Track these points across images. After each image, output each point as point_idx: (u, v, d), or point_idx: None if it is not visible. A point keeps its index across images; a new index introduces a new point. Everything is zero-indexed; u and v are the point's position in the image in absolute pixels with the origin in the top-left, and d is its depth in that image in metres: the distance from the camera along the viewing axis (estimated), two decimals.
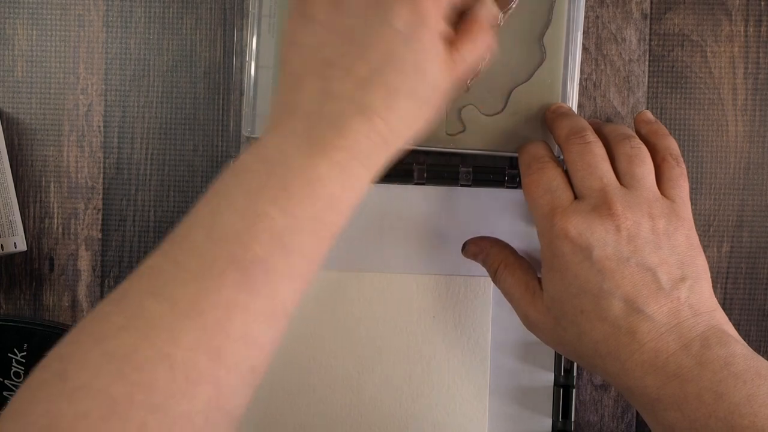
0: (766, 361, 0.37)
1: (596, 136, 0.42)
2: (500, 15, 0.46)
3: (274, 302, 0.33)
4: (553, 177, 0.41)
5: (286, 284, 0.34)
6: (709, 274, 0.40)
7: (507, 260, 0.44)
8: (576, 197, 0.41)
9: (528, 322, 0.43)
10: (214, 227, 0.33)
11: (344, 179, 0.35)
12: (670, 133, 0.44)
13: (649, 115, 0.45)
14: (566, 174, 0.42)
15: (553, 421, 0.49)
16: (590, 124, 0.43)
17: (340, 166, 0.34)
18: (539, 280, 0.42)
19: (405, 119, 0.36)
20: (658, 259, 0.39)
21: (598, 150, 0.41)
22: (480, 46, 0.39)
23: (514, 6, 0.46)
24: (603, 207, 0.39)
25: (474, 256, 0.47)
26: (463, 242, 0.48)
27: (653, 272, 0.38)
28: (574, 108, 0.47)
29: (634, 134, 0.42)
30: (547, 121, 0.46)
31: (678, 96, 0.50)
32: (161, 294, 0.32)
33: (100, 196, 0.50)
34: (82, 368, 0.31)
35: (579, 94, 0.48)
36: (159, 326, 0.31)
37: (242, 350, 0.33)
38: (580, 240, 0.39)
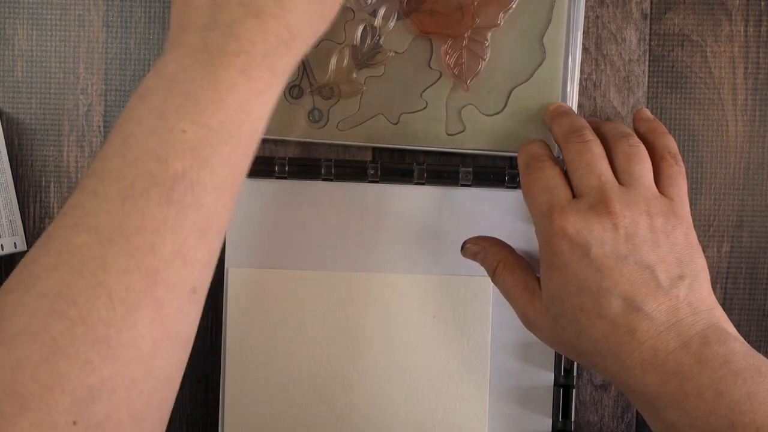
0: (765, 358, 0.37)
1: (595, 134, 0.42)
2: (500, 14, 0.46)
3: (204, 216, 0.33)
4: (552, 176, 0.41)
5: (212, 197, 0.33)
6: (707, 272, 0.40)
7: (506, 260, 0.44)
8: (574, 196, 0.41)
9: (527, 322, 0.43)
10: (128, 151, 0.32)
11: (249, 84, 0.34)
12: (669, 132, 0.44)
13: (647, 113, 0.45)
14: (565, 173, 0.42)
15: (553, 421, 0.49)
16: (589, 122, 0.43)
17: (242, 72, 0.34)
18: (538, 280, 0.42)
19: (302, 18, 0.36)
20: (656, 257, 0.39)
21: (597, 149, 0.41)
22: None
23: (514, 6, 0.46)
24: (601, 205, 0.39)
25: (473, 256, 0.47)
26: (462, 242, 0.48)
27: (652, 270, 0.38)
28: (574, 108, 0.47)
29: (632, 133, 0.43)
30: (546, 121, 0.46)
31: (678, 96, 0.50)
32: (85, 226, 0.31)
33: None
34: (16, 314, 0.30)
35: (579, 94, 0.48)
36: (88, 257, 0.31)
37: (178, 269, 0.32)
38: (578, 238, 0.39)
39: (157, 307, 0.31)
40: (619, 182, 0.40)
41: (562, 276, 0.39)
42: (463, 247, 0.48)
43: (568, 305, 0.39)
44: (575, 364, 0.49)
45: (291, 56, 0.36)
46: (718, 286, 0.50)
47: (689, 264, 0.39)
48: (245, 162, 0.35)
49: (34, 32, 0.50)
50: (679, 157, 0.42)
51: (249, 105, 0.34)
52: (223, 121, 0.33)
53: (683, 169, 0.42)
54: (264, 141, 0.48)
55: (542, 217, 0.41)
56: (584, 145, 0.41)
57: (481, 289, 0.49)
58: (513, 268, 0.44)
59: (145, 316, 0.31)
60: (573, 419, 0.49)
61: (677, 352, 0.37)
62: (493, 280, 0.45)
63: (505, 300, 0.44)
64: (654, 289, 0.38)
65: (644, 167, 0.41)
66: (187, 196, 0.32)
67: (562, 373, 0.49)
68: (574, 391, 0.49)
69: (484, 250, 0.46)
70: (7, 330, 0.30)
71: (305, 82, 0.47)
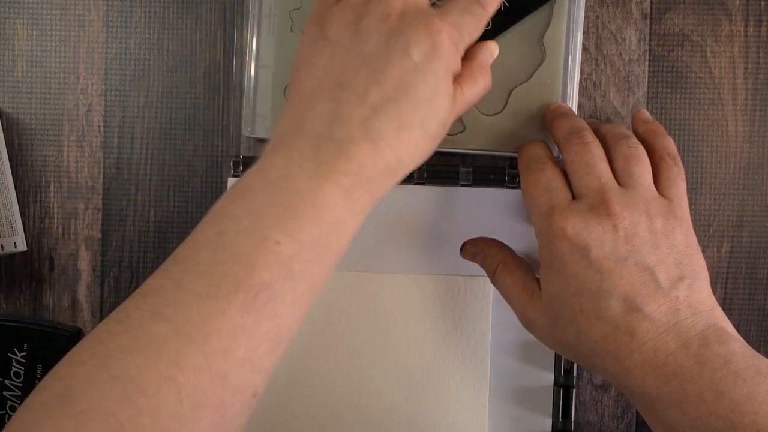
0: (765, 359, 0.37)
1: (594, 136, 0.42)
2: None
3: (278, 327, 0.33)
4: (552, 177, 0.41)
5: (289, 309, 0.34)
6: (707, 273, 0.40)
7: (505, 261, 0.44)
8: (574, 197, 0.41)
9: (526, 323, 0.43)
10: (219, 249, 0.33)
11: (348, 205, 0.35)
12: (669, 133, 0.44)
13: (646, 114, 0.45)
14: (565, 175, 0.42)
15: (553, 421, 0.49)
16: (588, 124, 0.43)
17: (346, 192, 0.35)
18: (537, 281, 0.42)
19: (411, 149, 0.36)
20: (656, 259, 0.39)
21: (597, 150, 0.41)
22: (481, 87, 0.40)
23: None
24: (600, 206, 0.39)
25: (472, 257, 0.47)
26: (461, 243, 0.48)
27: (651, 271, 0.38)
28: (574, 108, 0.47)
29: (631, 134, 0.43)
30: (546, 121, 0.46)
31: (678, 96, 0.50)
32: (165, 316, 0.32)
33: (100, 196, 0.50)
34: (86, 390, 0.30)
35: (579, 94, 0.48)
36: (164, 349, 0.31)
37: (246, 375, 0.33)
38: (577, 239, 0.39)
39: (220, 407, 0.32)
40: (619, 184, 0.40)
41: (561, 277, 0.39)
42: (462, 249, 0.48)
43: (568, 306, 0.39)
44: (575, 364, 0.49)
45: (392, 182, 0.37)
46: (718, 286, 0.50)
47: (689, 265, 0.39)
48: (325, 277, 0.36)
49: (34, 32, 0.50)
50: (678, 159, 0.42)
51: (343, 225, 0.35)
52: (316, 239, 0.34)
53: (682, 171, 0.42)
54: (264, 141, 0.48)
55: (542, 218, 0.41)
56: (584, 147, 0.41)
57: (481, 290, 0.49)
58: (512, 269, 0.44)
59: (208, 415, 0.32)
60: (573, 419, 0.49)
61: (677, 353, 0.37)
62: (492, 282, 0.45)
63: (505, 300, 0.44)
64: (654, 291, 0.38)
65: (643, 169, 0.41)
66: (267, 306, 0.33)
67: (562, 373, 0.49)
68: (574, 391, 0.49)
69: (483, 251, 0.46)
70: (76, 405, 0.30)
71: None
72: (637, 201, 0.40)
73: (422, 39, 0.36)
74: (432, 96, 0.36)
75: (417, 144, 0.37)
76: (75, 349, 0.32)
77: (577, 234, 0.39)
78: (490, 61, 0.42)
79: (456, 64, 0.38)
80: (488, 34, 0.43)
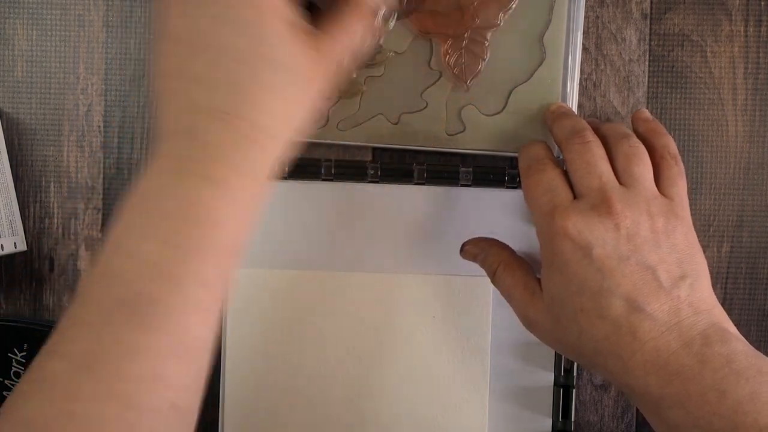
0: (767, 358, 0.37)
1: (595, 135, 0.42)
2: (500, 14, 0.46)
3: (180, 337, 0.32)
4: (553, 177, 0.41)
5: (188, 316, 0.32)
6: (708, 272, 0.40)
7: (506, 261, 0.44)
8: (576, 197, 0.41)
9: (528, 322, 0.43)
10: (105, 275, 0.32)
11: (216, 191, 0.33)
12: (669, 132, 0.44)
13: (646, 113, 0.45)
14: (566, 175, 0.42)
15: (553, 421, 0.49)
16: (588, 123, 0.43)
17: (215, 182, 0.33)
18: (538, 281, 0.42)
19: (273, 114, 0.34)
20: (657, 258, 0.39)
21: (598, 149, 0.41)
22: (352, 27, 0.36)
23: (514, 6, 0.46)
24: (602, 206, 0.39)
25: (473, 258, 0.47)
26: (461, 244, 0.48)
27: (653, 271, 0.38)
28: (574, 108, 0.47)
29: (632, 133, 0.43)
30: (546, 121, 0.46)
31: (678, 96, 0.50)
32: (59, 351, 0.32)
33: (100, 196, 0.50)
34: None
35: (579, 94, 0.48)
36: (59, 384, 0.31)
37: (151, 390, 0.31)
38: (579, 238, 0.39)
39: (128, 429, 0.31)
40: (620, 183, 0.40)
41: (563, 276, 0.39)
42: (462, 249, 0.48)
43: (569, 306, 0.39)
44: (575, 364, 0.49)
45: (266, 156, 0.34)
46: (718, 286, 0.50)
47: (690, 264, 0.39)
48: (224, 276, 0.34)
49: (34, 32, 0.50)
50: (679, 158, 0.42)
51: (219, 214, 0.33)
52: (194, 237, 0.32)
53: (683, 170, 0.42)
54: None
55: (544, 217, 0.41)
56: (585, 146, 0.41)
57: (482, 290, 0.49)
58: (513, 269, 0.44)
59: None
60: (573, 419, 0.49)
61: (679, 353, 0.37)
62: (493, 282, 0.45)
63: (505, 300, 0.44)
64: (655, 290, 0.38)
65: (644, 168, 0.41)
66: (158, 319, 0.31)
67: (562, 373, 0.49)
68: (574, 391, 0.49)
69: (483, 251, 0.46)
70: None
71: None
72: (639, 200, 0.40)
73: (239, 2, 0.33)
74: (266, 55, 0.33)
75: (276, 106, 0.34)
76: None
77: (578, 233, 0.39)
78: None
79: (288, 14, 0.34)
80: None
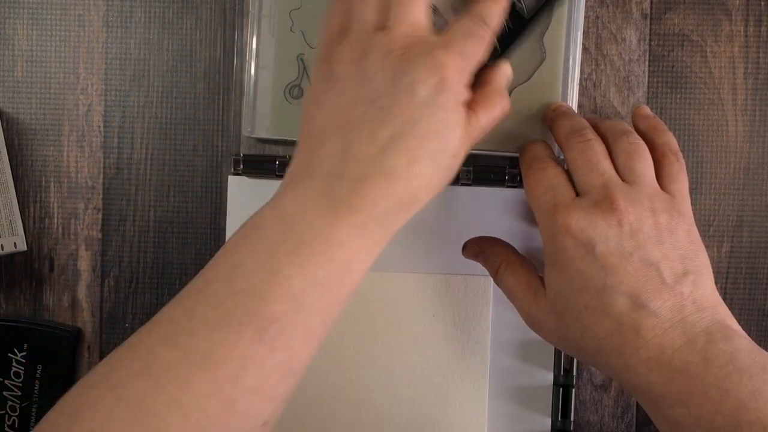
0: None
1: (596, 134, 0.42)
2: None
3: (289, 359, 0.34)
4: (555, 175, 0.41)
5: (300, 342, 0.34)
6: (710, 269, 0.40)
7: (508, 259, 0.44)
8: (578, 195, 0.41)
9: (530, 321, 0.43)
10: (232, 280, 0.34)
11: (361, 241, 0.35)
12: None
13: (646, 110, 0.45)
14: (567, 173, 0.42)
15: (552, 420, 0.49)
16: (588, 120, 0.43)
17: (358, 229, 0.35)
18: (541, 279, 0.42)
19: (425, 184, 0.36)
20: (660, 254, 0.39)
21: (598, 147, 0.41)
22: (498, 111, 0.40)
23: None
24: (605, 202, 0.39)
25: (474, 256, 0.47)
26: (463, 243, 0.48)
27: (656, 267, 0.38)
28: (574, 108, 0.47)
29: (632, 130, 0.43)
30: (547, 121, 0.46)
31: (678, 96, 0.50)
32: (177, 343, 0.33)
33: (100, 196, 0.50)
34: (93, 412, 0.31)
35: (579, 93, 0.48)
36: (173, 374, 0.32)
37: (255, 403, 0.33)
38: (582, 235, 0.39)
39: None
40: (622, 180, 0.40)
41: (566, 274, 0.39)
42: (464, 248, 0.48)
43: (572, 303, 0.39)
44: (575, 363, 0.49)
45: (406, 217, 0.37)
46: (718, 285, 0.50)
47: (693, 261, 0.39)
48: (338, 312, 0.36)
49: (34, 32, 0.50)
50: (680, 154, 0.42)
51: (355, 261, 0.35)
52: (328, 275, 0.34)
53: (684, 166, 0.42)
54: (264, 141, 0.48)
55: (546, 215, 0.40)
56: (586, 144, 0.41)
57: (481, 289, 0.49)
58: (515, 268, 0.44)
59: None
60: (572, 419, 0.49)
61: (683, 350, 0.37)
62: (495, 280, 0.45)
63: (505, 299, 0.44)
64: (659, 286, 0.38)
65: (646, 164, 0.41)
66: (278, 339, 0.33)
67: (562, 373, 0.49)
68: (573, 390, 0.49)
69: (485, 250, 0.46)
70: (81, 424, 0.31)
71: (305, 82, 0.47)
72: (641, 196, 0.40)
73: (427, 75, 0.36)
74: (440, 129, 0.36)
75: (429, 177, 0.37)
76: (87, 374, 0.33)
77: (581, 230, 0.39)
78: (506, 83, 0.41)
79: (464, 92, 0.38)
80: (498, 52, 0.43)
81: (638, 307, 0.38)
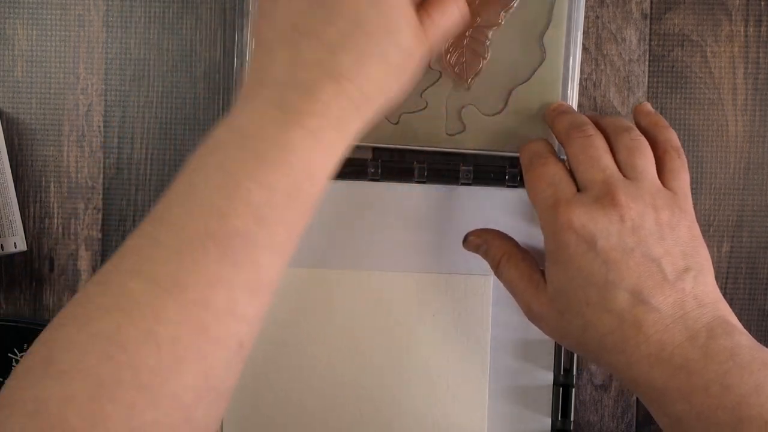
0: None
1: (597, 130, 0.42)
2: (501, 14, 0.46)
3: (258, 275, 0.33)
4: (556, 171, 0.41)
5: (267, 256, 0.34)
6: (711, 266, 0.40)
7: (509, 252, 0.44)
8: (579, 191, 0.41)
9: (531, 315, 0.42)
10: (191, 203, 0.33)
11: (318, 146, 0.35)
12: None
13: (648, 107, 0.45)
14: (568, 169, 0.42)
15: (552, 420, 0.49)
16: (588, 117, 0.43)
17: (313, 133, 0.34)
18: (542, 273, 0.42)
19: (377, 84, 0.36)
20: (662, 250, 0.39)
21: (600, 143, 0.41)
22: (454, 15, 0.39)
23: (515, 5, 0.46)
24: (606, 198, 0.39)
25: (476, 248, 0.46)
26: (465, 234, 0.47)
27: (658, 263, 0.38)
28: (574, 107, 0.47)
29: (633, 126, 0.43)
30: (547, 119, 0.46)
31: (678, 96, 0.50)
32: (142, 272, 0.32)
33: (100, 196, 0.50)
34: (67, 351, 0.31)
35: (579, 93, 0.48)
36: (142, 305, 0.31)
37: (228, 324, 0.33)
38: (583, 231, 0.39)
39: (203, 359, 0.32)
40: (623, 176, 0.40)
41: (567, 269, 0.39)
42: (465, 240, 0.47)
43: (574, 299, 0.39)
44: (575, 363, 0.49)
45: (361, 119, 0.37)
46: (719, 285, 0.50)
47: (694, 257, 0.39)
48: (303, 222, 0.35)
49: (34, 32, 0.50)
50: (682, 151, 0.42)
51: (314, 167, 0.35)
52: (288, 184, 0.34)
53: (686, 163, 0.42)
54: None
55: (547, 211, 0.40)
56: (587, 140, 0.41)
57: (481, 288, 0.49)
58: (517, 261, 0.44)
59: (190, 367, 0.32)
60: (572, 419, 0.49)
61: (684, 346, 0.37)
62: (496, 273, 0.45)
63: (505, 299, 0.44)
64: (660, 282, 0.38)
65: (647, 161, 0.41)
66: (243, 254, 0.33)
67: (562, 373, 0.49)
68: (573, 390, 0.49)
69: (486, 242, 0.46)
70: (58, 365, 0.31)
71: None
72: (643, 193, 0.40)
73: None
74: (389, 27, 0.36)
75: (380, 75, 0.36)
76: (59, 314, 0.33)
77: (582, 225, 0.39)
78: None
79: None
80: None
81: (640, 303, 0.38)
